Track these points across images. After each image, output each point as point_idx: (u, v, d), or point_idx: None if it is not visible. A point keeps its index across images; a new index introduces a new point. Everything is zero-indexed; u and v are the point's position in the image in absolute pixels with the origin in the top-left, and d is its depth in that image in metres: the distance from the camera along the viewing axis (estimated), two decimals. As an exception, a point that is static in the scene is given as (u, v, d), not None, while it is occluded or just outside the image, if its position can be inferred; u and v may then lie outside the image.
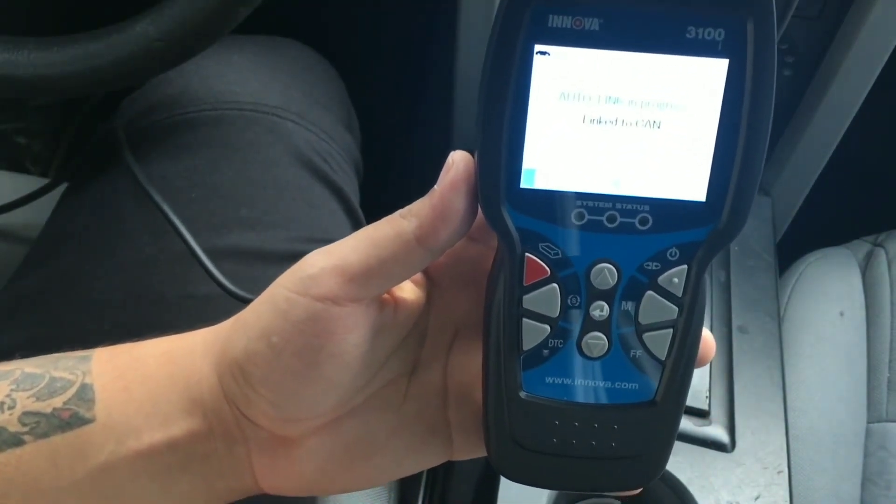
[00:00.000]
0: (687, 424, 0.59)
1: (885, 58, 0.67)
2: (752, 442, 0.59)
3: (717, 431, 0.59)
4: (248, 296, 0.50)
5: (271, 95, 0.61)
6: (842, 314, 0.73)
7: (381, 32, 1.05)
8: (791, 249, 0.81)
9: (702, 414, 0.60)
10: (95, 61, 0.49)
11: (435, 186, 0.29)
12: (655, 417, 0.31)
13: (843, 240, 0.81)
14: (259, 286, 0.53)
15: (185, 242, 0.51)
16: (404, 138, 1.05)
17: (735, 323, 0.66)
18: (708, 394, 0.61)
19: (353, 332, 0.30)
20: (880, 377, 0.69)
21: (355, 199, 0.64)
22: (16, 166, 1.01)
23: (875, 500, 0.64)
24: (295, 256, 0.55)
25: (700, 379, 0.61)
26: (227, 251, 0.53)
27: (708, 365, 0.63)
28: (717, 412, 0.60)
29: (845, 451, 0.66)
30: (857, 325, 0.72)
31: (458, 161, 0.29)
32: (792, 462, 0.59)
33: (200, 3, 0.47)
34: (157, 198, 0.53)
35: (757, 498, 0.56)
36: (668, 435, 0.32)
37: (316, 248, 0.58)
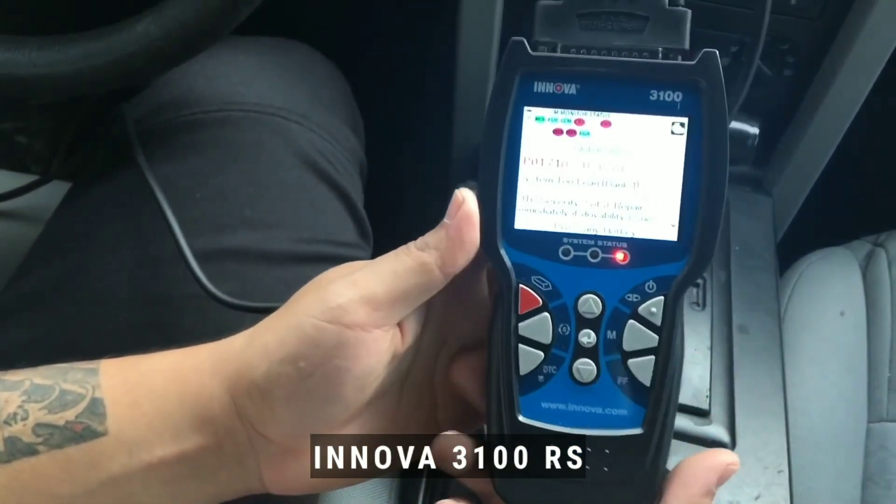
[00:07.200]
0: (687, 424, 0.59)
1: (886, 58, 0.67)
2: (752, 442, 0.59)
3: (717, 431, 0.59)
4: (230, 300, 0.50)
5: (276, 97, 0.61)
6: (842, 314, 0.73)
7: (384, 34, 1.05)
8: (791, 249, 0.81)
9: (702, 413, 0.59)
10: (97, 61, 0.49)
11: (445, 220, 0.33)
12: (645, 443, 0.34)
13: (844, 240, 0.81)
14: (262, 286, 0.54)
15: (176, 244, 0.51)
16: (405, 140, 1.05)
17: (736, 322, 0.66)
18: (708, 393, 0.60)
19: (376, 356, 0.34)
20: (881, 377, 0.69)
21: (359, 200, 0.64)
22: (17, 165, 1.01)
23: (876, 499, 0.64)
24: (297, 257, 0.56)
25: (700, 379, 0.61)
26: (231, 251, 0.54)
27: (708, 364, 0.63)
28: (718, 412, 0.60)
29: (846, 451, 0.66)
30: (857, 324, 0.72)
31: (468, 197, 0.33)
32: (792, 462, 0.59)
33: (202, 2, 0.47)
34: (160, 196, 0.53)
35: (757, 498, 0.56)
36: (658, 460, 0.34)
37: (318, 248, 0.59)
